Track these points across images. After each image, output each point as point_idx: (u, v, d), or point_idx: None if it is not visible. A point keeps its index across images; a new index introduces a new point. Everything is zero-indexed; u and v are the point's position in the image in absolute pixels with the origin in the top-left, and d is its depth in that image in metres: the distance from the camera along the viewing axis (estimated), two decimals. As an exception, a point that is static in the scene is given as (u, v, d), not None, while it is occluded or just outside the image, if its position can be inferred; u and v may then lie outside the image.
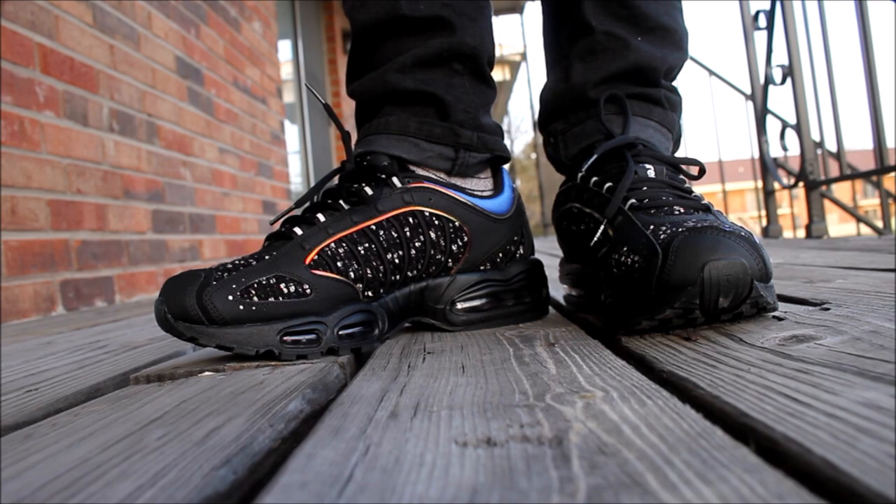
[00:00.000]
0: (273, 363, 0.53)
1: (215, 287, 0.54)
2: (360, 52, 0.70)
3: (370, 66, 0.69)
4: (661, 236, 0.50)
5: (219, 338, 0.54)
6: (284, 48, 4.60)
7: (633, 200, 0.58)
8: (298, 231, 0.59)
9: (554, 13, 0.75)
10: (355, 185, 0.63)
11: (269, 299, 0.55)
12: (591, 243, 0.59)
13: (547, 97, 0.74)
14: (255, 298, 0.54)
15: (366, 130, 0.69)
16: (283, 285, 0.55)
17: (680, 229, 0.50)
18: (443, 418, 0.33)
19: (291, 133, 4.52)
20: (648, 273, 0.49)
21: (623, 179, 0.59)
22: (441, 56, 0.67)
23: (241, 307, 0.54)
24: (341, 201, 0.62)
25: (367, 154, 0.65)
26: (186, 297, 0.54)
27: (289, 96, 4.40)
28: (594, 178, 0.64)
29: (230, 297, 0.54)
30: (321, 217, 0.61)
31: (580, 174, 0.65)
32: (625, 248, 0.53)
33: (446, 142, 0.67)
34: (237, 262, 0.57)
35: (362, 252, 0.59)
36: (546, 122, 0.74)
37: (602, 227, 0.58)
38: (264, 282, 0.55)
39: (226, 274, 0.55)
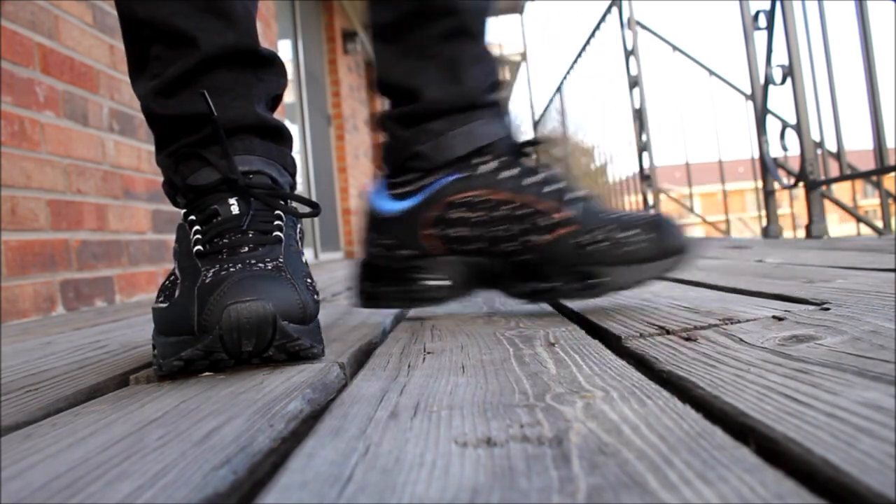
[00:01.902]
0: (273, 363, 0.53)
1: (294, 281, 0.53)
2: (195, 71, 0.66)
3: (217, 91, 0.67)
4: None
5: (312, 336, 0.53)
6: (284, 48, 4.60)
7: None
8: (280, 234, 0.59)
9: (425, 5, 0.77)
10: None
11: (315, 296, 0.57)
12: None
13: (436, 97, 0.76)
14: (315, 296, 0.56)
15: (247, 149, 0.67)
16: (314, 284, 0.58)
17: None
18: (443, 418, 0.33)
19: (292, 132, 4.52)
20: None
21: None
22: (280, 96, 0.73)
23: (317, 304, 0.55)
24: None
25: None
26: (292, 294, 0.51)
27: (289, 96, 4.40)
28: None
29: (312, 296, 0.54)
30: (280, 223, 0.61)
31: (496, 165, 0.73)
32: None
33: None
34: (250, 261, 0.54)
35: None
36: (421, 119, 0.76)
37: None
38: (309, 280, 0.57)
39: (282, 272, 0.53)
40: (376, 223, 0.78)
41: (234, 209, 0.60)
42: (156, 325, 0.55)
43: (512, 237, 0.70)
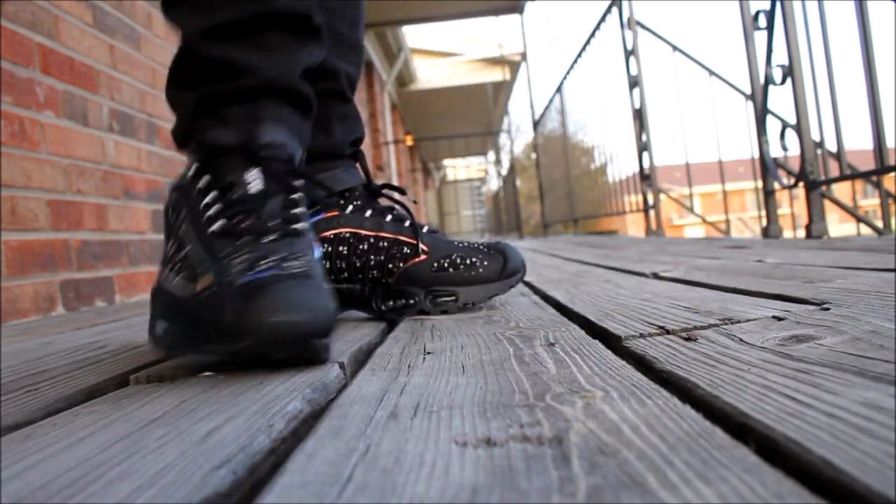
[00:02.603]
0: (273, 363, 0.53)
1: (325, 289, 0.50)
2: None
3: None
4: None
5: (330, 349, 0.51)
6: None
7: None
8: (305, 224, 0.58)
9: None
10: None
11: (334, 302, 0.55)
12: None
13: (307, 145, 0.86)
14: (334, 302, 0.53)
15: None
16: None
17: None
18: (443, 418, 0.33)
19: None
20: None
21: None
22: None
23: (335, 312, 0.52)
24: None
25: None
26: (327, 307, 0.49)
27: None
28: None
29: (333, 302, 0.51)
30: (304, 210, 0.60)
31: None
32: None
33: None
34: (281, 257, 0.51)
35: None
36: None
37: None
38: (325, 284, 0.55)
39: (315, 278, 0.51)
40: None
41: (257, 185, 0.56)
42: (170, 306, 0.53)
43: (377, 265, 0.81)
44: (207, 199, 0.56)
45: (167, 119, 2.25)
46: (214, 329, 0.48)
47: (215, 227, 0.54)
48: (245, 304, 0.47)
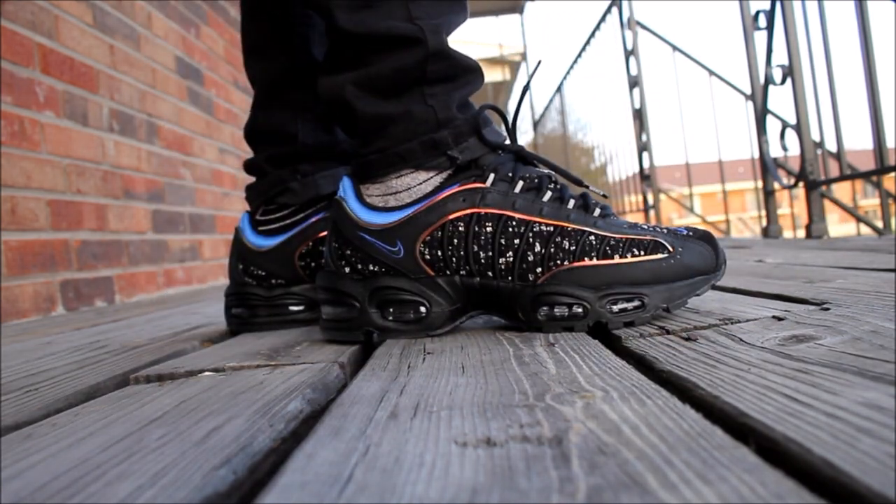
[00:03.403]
0: (273, 363, 0.53)
1: None
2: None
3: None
4: None
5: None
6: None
7: None
8: None
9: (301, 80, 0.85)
10: None
11: None
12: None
13: (308, 142, 0.87)
14: None
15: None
16: None
17: None
18: (443, 418, 0.33)
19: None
20: None
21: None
22: None
23: None
24: None
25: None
26: None
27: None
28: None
29: None
30: None
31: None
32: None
33: None
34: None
35: None
36: (293, 160, 0.87)
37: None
38: None
39: None
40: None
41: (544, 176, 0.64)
42: (666, 273, 0.59)
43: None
44: (550, 186, 0.63)
45: (167, 119, 2.25)
46: (710, 269, 0.61)
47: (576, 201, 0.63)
48: (716, 245, 0.62)
